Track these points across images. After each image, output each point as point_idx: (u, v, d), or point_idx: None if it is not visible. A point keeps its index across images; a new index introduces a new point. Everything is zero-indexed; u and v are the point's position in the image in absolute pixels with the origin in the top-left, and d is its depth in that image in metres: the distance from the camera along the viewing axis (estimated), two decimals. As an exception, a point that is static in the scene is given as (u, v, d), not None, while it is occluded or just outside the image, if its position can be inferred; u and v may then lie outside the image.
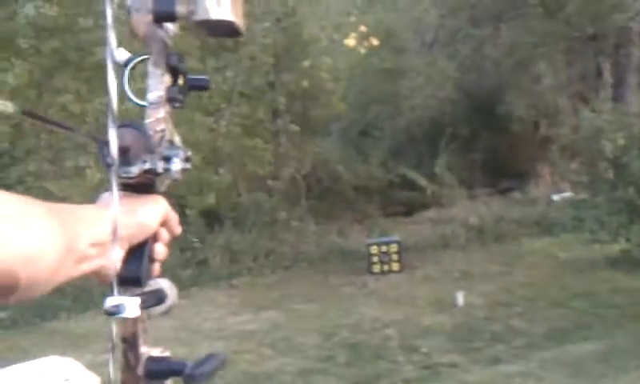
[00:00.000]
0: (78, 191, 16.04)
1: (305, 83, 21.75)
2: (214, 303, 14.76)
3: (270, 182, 20.36)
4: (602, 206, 13.18)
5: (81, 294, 15.33)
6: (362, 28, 28.75)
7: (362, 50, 28.80)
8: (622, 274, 13.15)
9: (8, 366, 1.37)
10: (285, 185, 20.30)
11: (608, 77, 20.85)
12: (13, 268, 0.98)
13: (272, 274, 17.29)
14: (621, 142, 13.17)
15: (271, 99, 20.73)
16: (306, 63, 21.92)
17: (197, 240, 17.50)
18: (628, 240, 12.37)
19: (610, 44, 20.62)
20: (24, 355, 2.99)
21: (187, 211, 17.23)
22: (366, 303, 13.87)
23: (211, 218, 18.77)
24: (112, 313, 1.18)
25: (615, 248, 13.08)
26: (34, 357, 1.36)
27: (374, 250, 16.02)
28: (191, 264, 16.69)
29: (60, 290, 14.90)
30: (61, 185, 16.98)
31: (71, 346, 11.80)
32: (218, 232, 18.39)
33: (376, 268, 15.89)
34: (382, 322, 12.45)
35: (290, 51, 21.34)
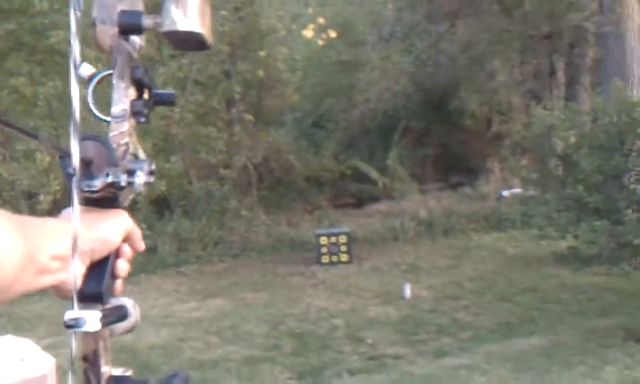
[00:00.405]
0: (27, 174, 15.93)
1: (260, 73, 21.71)
2: (162, 290, 14.71)
3: (221, 170, 20.29)
4: (551, 202, 13.23)
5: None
6: (320, 20, 28.78)
7: (319, 42, 28.81)
8: (569, 271, 13.27)
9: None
10: (236, 174, 20.25)
11: (561, 76, 21.04)
12: None
13: (220, 262, 17.28)
14: (572, 139, 13.24)
15: (226, 88, 20.64)
16: (263, 53, 21.86)
17: (146, 227, 17.40)
18: (576, 237, 12.43)
19: (565, 43, 20.78)
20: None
21: (137, 198, 17.15)
22: (314, 293, 13.90)
23: (161, 205, 18.70)
24: (71, 326, 1.16)
25: (563, 245, 13.16)
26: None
27: (323, 240, 16.05)
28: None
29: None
30: (10, 168, 16.83)
31: (16, 329, 11.68)
32: (168, 219, 18.33)
33: (325, 259, 15.93)
34: (329, 313, 12.49)
35: (247, 40, 21.27)
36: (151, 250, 17.20)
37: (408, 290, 13.08)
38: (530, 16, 20.37)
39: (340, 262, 15.88)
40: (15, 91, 17.16)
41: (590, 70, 20.51)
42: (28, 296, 10.36)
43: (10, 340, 3.09)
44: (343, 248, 16.00)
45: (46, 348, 2.94)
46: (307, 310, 12.71)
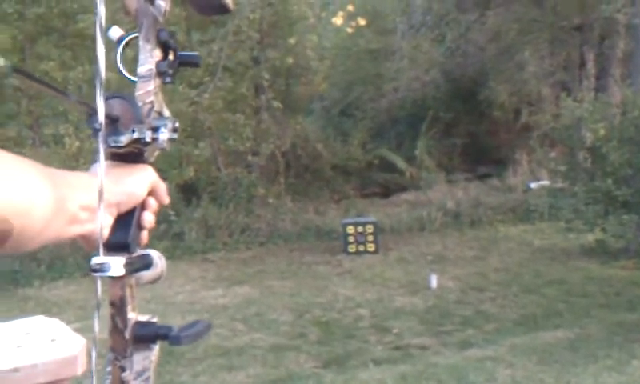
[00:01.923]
0: (56, 158, 16.00)
1: (289, 60, 21.70)
2: (188, 277, 14.75)
3: (249, 157, 20.32)
4: (580, 195, 13.18)
5: (55, 262, 15.33)
6: (350, 7, 28.73)
7: (349, 30, 28.77)
8: (596, 264, 13.23)
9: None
10: (264, 161, 20.27)
11: (591, 67, 20.89)
12: (5, 216, 1.00)
13: (247, 249, 17.30)
14: (601, 132, 13.17)
15: (255, 75, 20.66)
16: (292, 40, 21.86)
17: (173, 213, 17.46)
18: (603, 230, 12.39)
19: (596, 34, 20.66)
20: (-4, 321, 2.99)
21: (166, 184, 17.19)
22: (340, 282, 13.90)
23: (189, 191, 18.74)
24: (96, 271, 1.20)
25: (590, 238, 13.13)
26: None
27: (350, 229, 16.05)
28: (167, 236, 16.66)
29: (34, 258, 14.91)
30: (39, 152, 16.92)
31: (44, 313, 11.67)
32: (195, 206, 18.34)
33: (351, 248, 15.93)
34: (354, 302, 12.50)
35: (277, 27, 21.27)
36: (178, 236, 17.26)
37: (434, 281, 13.07)
38: (560, 7, 20.27)
39: (366, 251, 15.87)
40: (45, 75, 17.24)
41: (621, 62, 20.38)
42: (55, 280, 10.50)
43: (40, 320, 3.12)
44: (370, 237, 15.98)
45: (74, 331, 2.97)
46: (333, 299, 12.72)
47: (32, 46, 19.20)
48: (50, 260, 15.43)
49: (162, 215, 13.45)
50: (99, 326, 1.21)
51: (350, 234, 16.00)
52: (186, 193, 18.59)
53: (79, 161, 15.66)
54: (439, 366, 8.88)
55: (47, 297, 13.75)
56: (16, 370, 2.51)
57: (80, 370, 2.62)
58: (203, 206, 18.26)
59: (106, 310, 1.31)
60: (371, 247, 15.93)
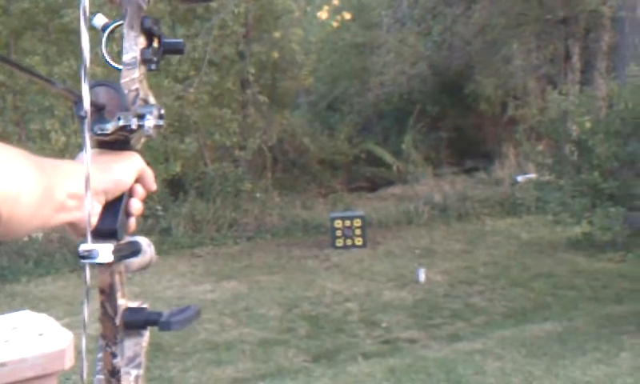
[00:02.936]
0: (43, 154, 15.84)
1: (275, 54, 21.71)
2: (176, 272, 14.74)
3: (236, 152, 20.32)
4: (566, 188, 13.20)
5: (42, 258, 15.30)
6: (335, 1, 28.73)
7: (334, 24, 28.77)
8: (583, 257, 13.29)
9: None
10: (251, 156, 20.26)
11: (577, 60, 20.93)
12: None
13: (235, 244, 17.29)
14: (587, 125, 13.20)
15: (240, 69, 20.66)
16: (277, 34, 21.87)
17: (160, 208, 17.45)
18: (590, 223, 12.41)
19: (581, 27, 20.67)
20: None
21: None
22: (328, 277, 13.91)
23: (176, 186, 18.74)
24: (85, 257, 1.21)
25: (577, 230, 13.15)
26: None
27: (337, 223, 16.05)
28: (154, 232, 16.62)
29: (21, 253, 14.88)
30: (26, 147, 16.75)
31: (31, 309, 11.70)
32: (182, 201, 18.33)
33: (339, 242, 15.93)
34: (343, 296, 12.51)
35: (262, 21, 21.29)
36: (166, 231, 17.25)
37: (422, 275, 13.09)
38: (545, 0, 20.29)
39: (354, 245, 15.88)
40: (30, 71, 17.20)
41: (606, 55, 20.42)
42: (43, 276, 10.49)
43: (27, 315, 3.11)
44: (357, 231, 15.98)
45: (62, 327, 2.96)
46: (321, 294, 12.72)
47: (17, 41, 19.13)
48: (37, 256, 15.39)
49: (148, 210, 13.53)
50: (89, 316, 1.20)
51: (338, 228, 16.00)
52: (173, 188, 18.58)
53: (66, 156, 15.59)
54: (428, 360, 8.90)
55: (35, 293, 13.71)
56: (3, 364, 2.50)
57: (68, 364, 2.61)
58: (190, 201, 18.24)
59: (97, 299, 1.32)
60: (359, 241, 15.94)
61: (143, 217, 16.88)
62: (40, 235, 15.15)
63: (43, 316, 3.06)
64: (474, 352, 8.97)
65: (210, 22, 18.91)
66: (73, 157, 1.31)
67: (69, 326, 2.81)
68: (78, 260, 1.22)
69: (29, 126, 18.43)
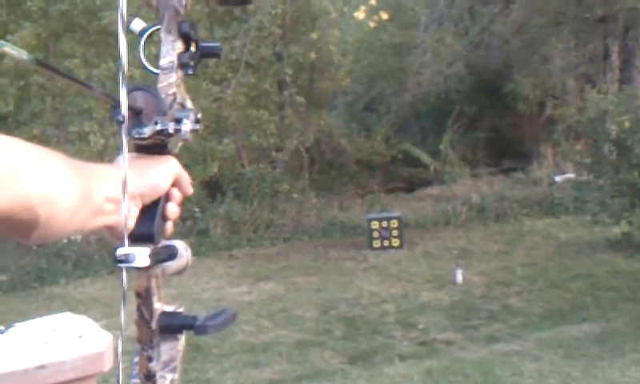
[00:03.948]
0: (82, 157, 15.98)
1: (312, 55, 21.72)
2: (213, 273, 14.78)
3: (273, 153, 20.35)
4: (605, 188, 13.15)
5: (81, 260, 15.42)
6: (372, 1, 28.68)
7: (371, 24, 28.74)
8: (622, 257, 13.16)
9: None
10: (288, 157, 20.28)
11: (616, 59, 20.78)
12: (32, 204, 1.03)
13: (272, 245, 17.31)
14: (626, 124, 13.12)
15: (278, 70, 20.70)
16: (314, 35, 21.86)
17: (198, 210, 17.53)
18: (629, 223, 12.35)
19: (619, 26, 20.52)
20: (22, 319, 3.00)
21: (190, 181, 17.23)
22: (365, 278, 13.89)
23: (213, 188, 18.80)
24: (121, 261, 1.22)
25: (616, 231, 13.07)
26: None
27: (374, 225, 16.02)
28: (192, 233, 16.69)
29: (60, 255, 15.00)
30: (64, 150, 16.94)
31: (70, 311, 11.79)
32: (220, 202, 18.38)
33: (376, 243, 15.89)
34: (380, 297, 12.49)
35: (299, 22, 21.32)
36: (203, 232, 17.31)
37: (460, 276, 13.04)
38: (584, -2, 20.19)
39: (391, 246, 15.84)
40: (69, 73, 17.33)
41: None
42: (81, 278, 10.57)
43: (67, 317, 3.14)
44: (394, 232, 15.94)
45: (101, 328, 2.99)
46: (358, 295, 12.71)
47: (56, 43, 19.29)
48: (75, 258, 15.52)
49: (186, 212, 13.58)
50: (126, 319, 1.22)
51: (375, 229, 15.97)
52: (211, 189, 18.66)
53: (104, 158, 15.72)
54: (465, 361, 8.87)
55: (73, 295, 13.82)
56: (43, 366, 2.53)
57: (107, 366, 2.64)
58: (227, 202, 18.29)
59: (133, 302, 1.34)
60: (396, 242, 15.90)
61: (181, 219, 16.89)
62: (78, 237, 15.26)
63: (83, 318, 3.09)
64: (512, 353, 8.94)
65: (248, 24, 18.97)
66: (111, 159, 1.33)
67: (107, 328, 2.83)
68: (115, 263, 1.23)
69: (68, 128, 18.58)
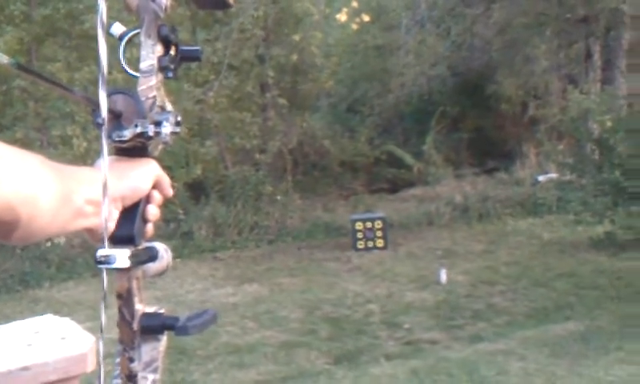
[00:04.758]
0: (64, 160, 15.90)
1: (294, 57, 21.71)
2: (198, 275, 14.78)
3: (256, 155, 20.34)
4: (588, 187, 13.21)
5: (64, 263, 15.38)
6: (354, 4, 28.70)
7: (354, 26, 28.76)
8: (605, 256, 13.20)
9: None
10: (271, 159, 20.28)
11: (598, 59, 20.85)
12: (12, 204, 1.04)
13: (256, 247, 17.32)
14: (608, 124, 13.18)
15: (260, 72, 20.69)
16: (297, 37, 21.87)
17: (182, 212, 17.50)
18: (612, 222, 12.41)
19: (601, 26, 20.57)
20: (7, 322, 2.99)
21: (173, 183, 17.22)
22: (350, 279, 13.92)
23: (197, 190, 18.79)
24: (102, 263, 1.23)
25: (599, 230, 13.12)
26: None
27: (358, 225, 16.03)
28: (176, 235, 16.67)
29: (44, 259, 14.95)
30: (48, 154, 16.85)
31: (54, 314, 11.77)
32: (204, 204, 18.37)
33: (360, 244, 15.91)
34: (364, 298, 12.51)
35: (281, 25, 21.32)
36: (187, 234, 17.30)
37: (444, 275, 13.07)
38: (565, -1, 20.24)
39: (375, 247, 15.85)
40: (52, 77, 17.29)
41: (627, 53, 20.33)
42: (65, 281, 10.54)
43: (50, 319, 3.13)
44: (378, 233, 15.96)
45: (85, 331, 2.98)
46: (343, 296, 12.73)
47: (38, 47, 19.24)
48: (59, 261, 15.48)
49: (170, 214, 13.57)
50: (107, 321, 1.22)
51: (359, 230, 15.99)
52: (194, 191, 18.64)
53: (87, 161, 15.46)
54: (450, 360, 8.89)
55: (57, 298, 13.80)
56: (26, 368, 2.52)
57: (90, 367, 2.63)
58: (211, 205, 18.27)
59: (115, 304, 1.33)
60: (380, 243, 15.92)
61: (164, 221, 17.02)
62: (62, 240, 15.23)
63: (65, 320, 3.09)
64: (497, 352, 8.96)
65: (230, 26, 18.96)
66: (94, 162, 1.33)
67: (91, 331, 2.83)
68: (95, 264, 1.23)
69: (50, 131, 18.53)
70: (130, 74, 1.38)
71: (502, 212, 18.23)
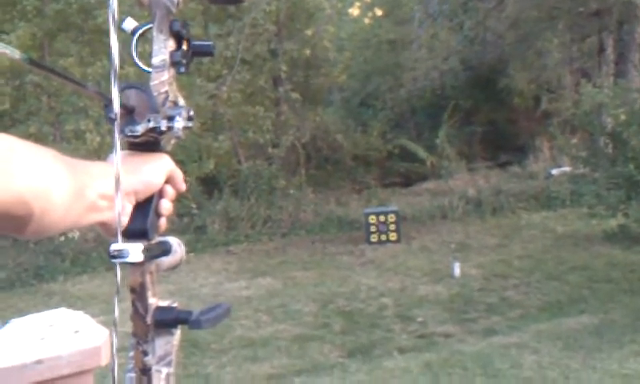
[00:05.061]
0: (78, 155, 15.95)
1: (307, 52, 21.73)
2: (211, 269, 14.80)
3: (269, 149, 20.35)
4: (601, 181, 13.14)
5: (79, 257, 15.42)
6: (367, -2, 28.72)
7: (366, 20, 28.77)
8: (619, 249, 13.15)
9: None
10: (284, 153, 20.28)
11: (611, 53, 20.79)
12: (25, 199, 1.04)
13: (269, 241, 17.32)
14: (622, 117, 13.12)
15: (273, 67, 20.71)
16: (309, 32, 21.88)
17: (195, 206, 17.53)
18: (626, 215, 12.35)
19: (614, 20, 20.51)
20: (21, 315, 3.01)
21: (186, 177, 17.24)
22: (363, 272, 13.91)
23: (210, 184, 18.81)
24: (115, 257, 1.23)
25: (613, 223, 13.07)
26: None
27: (372, 219, 16.02)
28: (189, 230, 16.70)
29: (58, 253, 14.99)
30: (61, 148, 16.89)
31: (68, 307, 11.81)
32: (217, 199, 18.39)
33: (374, 237, 15.90)
34: (378, 291, 12.50)
35: (294, 19, 21.33)
36: (200, 228, 17.32)
37: (457, 269, 13.05)
38: (578, -8, 20.19)
39: (389, 240, 15.84)
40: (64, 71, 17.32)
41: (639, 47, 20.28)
42: (79, 275, 10.56)
43: (64, 313, 3.14)
44: (392, 227, 15.95)
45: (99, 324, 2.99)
46: (356, 289, 12.72)
47: (51, 42, 19.28)
48: (73, 255, 15.53)
49: (183, 208, 13.57)
50: (121, 315, 1.22)
51: (373, 224, 15.97)
52: (208, 186, 18.67)
53: (100, 156, 15.63)
54: (464, 354, 8.88)
55: (72, 291, 13.84)
56: (40, 361, 2.53)
57: (104, 360, 2.64)
58: (225, 199, 18.29)
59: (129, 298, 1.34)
60: (393, 236, 15.90)
61: (178, 215, 17.05)
62: (76, 234, 15.28)
63: (79, 313, 3.10)
64: (510, 346, 8.95)
65: (242, 21, 18.96)
66: (107, 157, 1.33)
67: (105, 324, 2.84)
68: (109, 258, 1.24)
69: (64, 126, 18.56)
70: (143, 69, 1.39)
71: (515, 205, 18.20)
